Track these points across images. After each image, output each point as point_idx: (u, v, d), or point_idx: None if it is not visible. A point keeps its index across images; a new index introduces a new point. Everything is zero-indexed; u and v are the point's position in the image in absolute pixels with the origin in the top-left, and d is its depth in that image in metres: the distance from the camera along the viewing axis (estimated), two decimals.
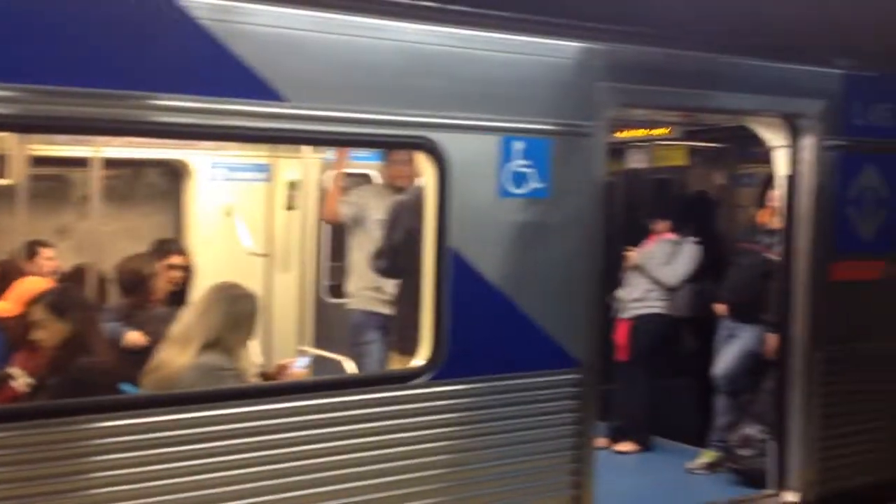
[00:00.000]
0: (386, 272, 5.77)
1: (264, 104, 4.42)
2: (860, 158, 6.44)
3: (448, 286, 4.90)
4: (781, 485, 6.25)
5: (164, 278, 6.07)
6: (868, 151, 6.47)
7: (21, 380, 4.55)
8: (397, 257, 5.54)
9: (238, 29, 4.33)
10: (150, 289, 5.69)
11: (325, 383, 4.73)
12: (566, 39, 5.35)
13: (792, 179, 6.26)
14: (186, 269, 6.46)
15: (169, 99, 4.20)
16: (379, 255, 5.73)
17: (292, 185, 8.28)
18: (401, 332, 5.49)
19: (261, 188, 8.27)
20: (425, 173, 5.06)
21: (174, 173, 8.09)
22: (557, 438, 5.24)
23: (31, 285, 5.52)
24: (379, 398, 4.73)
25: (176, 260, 6.36)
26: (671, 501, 6.11)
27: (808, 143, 6.23)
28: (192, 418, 4.24)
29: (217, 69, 4.31)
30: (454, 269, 4.92)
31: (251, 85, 4.38)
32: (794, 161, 6.26)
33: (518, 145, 5.12)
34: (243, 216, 7.98)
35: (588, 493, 5.33)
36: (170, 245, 6.56)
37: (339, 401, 4.58)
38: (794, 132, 6.25)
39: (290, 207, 8.27)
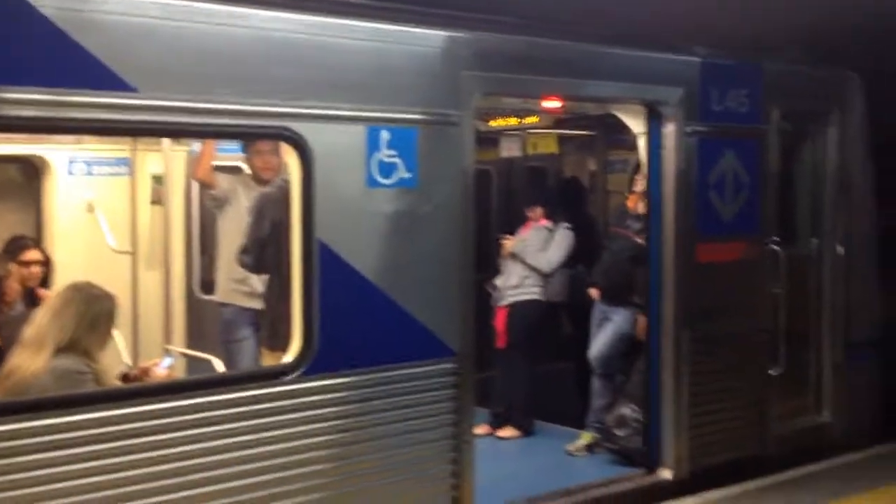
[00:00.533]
0: (252, 267, 5.64)
1: (114, 95, 4.24)
2: (719, 144, 6.65)
3: (316, 279, 4.82)
4: (656, 463, 6.41)
5: (19, 276, 5.76)
6: (726, 137, 6.68)
7: None
8: (263, 252, 5.42)
9: (83, 18, 4.14)
10: (2, 290, 5.39)
11: (192, 383, 4.59)
12: (431, 28, 5.33)
13: (657, 165, 6.41)
14: (45, 264, 6.15)
15: (13, 92, 3.98)
16: (244, 249, 5.60)
17: (157, 180, 8.01)
18: (271, 327, 5.38)
19: (123, 183, 7.95)
20: (290, 165, 4.96)
21: (31, 170, 7.70)
22: (435, 428, 5.23)
23: None
24: (249, 396, 4.62)
25: (31, 255, 6.05)
26: (550, 484, 6.17)
27: (670, 130, 6.39)
28: (49, 425, 4.04)
29: (62, 60, 4.11)
30: (322, 261, 4.84)
31: (99, 75, 4.19)
32: (658, 147, 6.41)
33: (385, 135, 5.07)
34: (106, 212, 7.66)
35: (468, 481, 5.34)
36: (24, 241, 6.22)
37: (207, 401, 4.44)
38: (657, 119, 6.40)
39: (155, 202, 7.99)
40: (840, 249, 7.41)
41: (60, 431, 4.07)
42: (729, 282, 6.74)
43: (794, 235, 7.45)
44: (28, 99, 4.01)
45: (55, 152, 7.60)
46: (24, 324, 4.71)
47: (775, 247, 6.97)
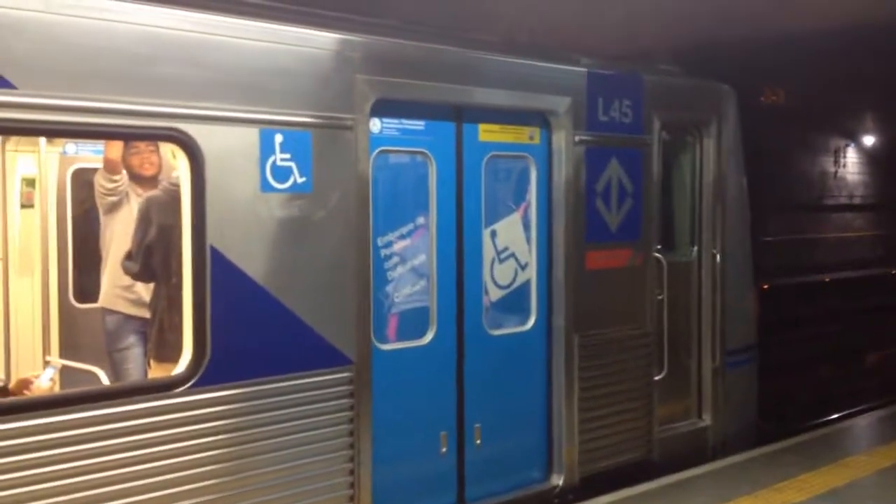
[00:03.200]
0: (137, 275, 5.40)
1: None
2: (605, 153, 6.77)
3: (207, 286, 4.64)
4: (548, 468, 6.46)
5: None
6: (611, 146, 6.81)
7: None
8: (149, 258, 5.19)
9: None
10: None
11: (76, 397, 4.32)
12: (325, 30, 5.23)
13: (545, 173, 6.48)
14: None
15: None
16: (129, 255, 5.34)
17: (28, 182, 7.59)
18: (158, 337, 5.15)
19: None
20: (179, 167, 4.77)
21: None
22: (332, 439, 5.12)
23: None
24: (137, 410, 4.40)
25: None
26: None
27: (559, 139, 6.47)
28: None
29: None
30: (214, 267, 4.66)
31: None
32: (548, 155, 6.47)
33: (278, 138, 4.94)
34: None
35: (366, 493, 5.23)
36: None
37: (91, 415, 4.21)
38: (546, 128, 6.47)
39: (25, 206, 7.57)
40: (717, 257, 7.65)
41: None
42: (615, 288, 6.87)
43: (675, 243, 7.66)
44: None
45: None
46: None
47: (657, 254, 7.15)
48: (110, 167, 6.13)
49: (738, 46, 8.61)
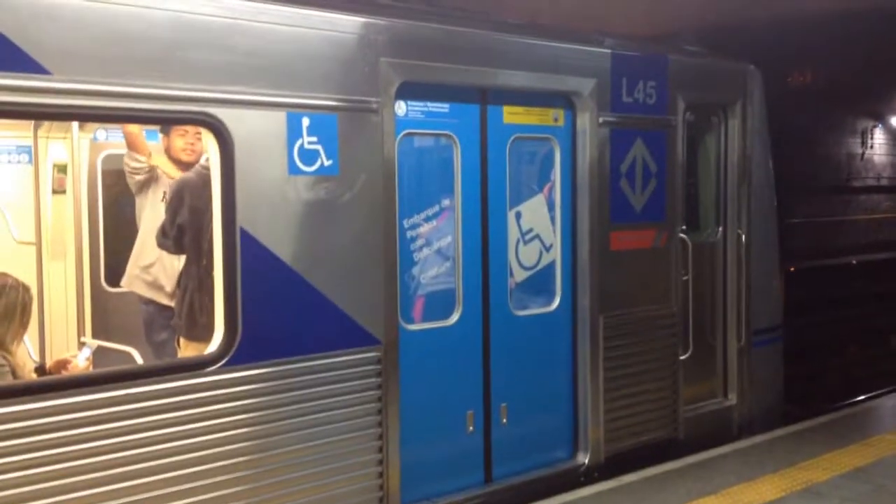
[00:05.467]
0: (170, 248, 5.51)
1: (25, 77, 4.07)
2: (629, 134, 6.79)
3: (239, 267, 4.73)
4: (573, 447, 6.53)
5: None
6: (636, 127, 6.83)
7: None
8: (181, 239, 5.29)
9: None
10: None
11: (114, 375, 4.42)
12: (350, 14, 5.29)
13: (570, 155, 6.52)
14: None
15: None
16: (164, 231, 5.45)
17: (60, 168, 7.73)
18: (189, 317, 5.25)
19: (24, 172, 7.65)
20: (209, 151, 4.86)
21: None
22: (361, 417, 5.20)
23: None
24: (171, 388, 4.50)
25: None
26: None
27: (584, 120, 6.50)
28: None
29: None
30: (244, 249, 4.75)
31: (9, 56, 4.02)
32: (573, 136, 6.51)
33: (305, 121, 5.01)
34: (6, 202, 7.36)
35: (395, 470, 5.33)
36: None
37: (128, 393, 4.32)
38: (571, 109, 6.50)
39: (57, 191, 7.72)
40: (743, 238, 7.66)
41: None
42: (640, 269, 6.90)
43: (700, 224, 7.67)
44: None
45: None
46: None
47: (683, 235, 7.17)
48: (134, 147, 6.25)
49: (766, 28, 8.56)
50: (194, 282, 5.21)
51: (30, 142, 7.58)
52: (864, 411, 8.98)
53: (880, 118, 20.83)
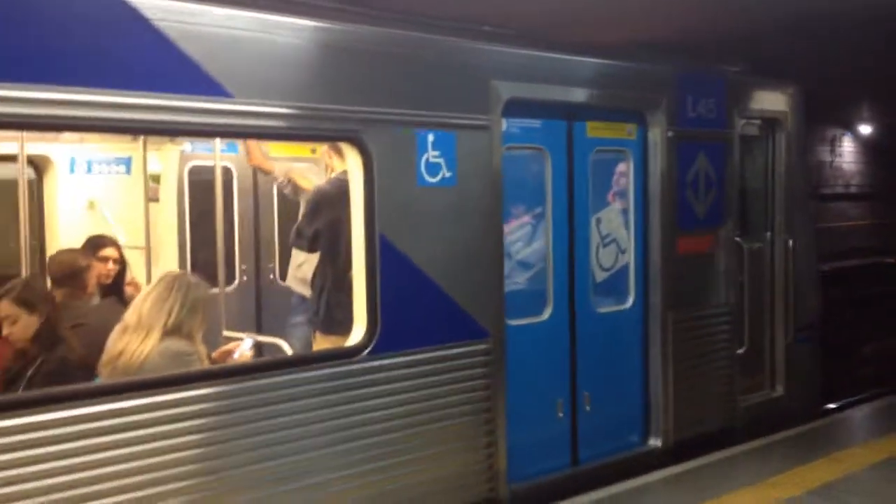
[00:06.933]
0: (304, 248, 6.12)
1: (215, 101, 4.67)
2: (694, 147, 7.41)
3: (378, 268, 5.32)
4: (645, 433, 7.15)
5: (97, 271, 6.05)
6: (699, 140, 7.46)
7: None
8: (317, 238, 5.88)
9: (188, 30, 4.56)
10: (84, 281, 5.67)
11: (288, 361, 5.06)
12: (467, 41, 5.90)
13: (641, 166, 7.14)
14: (120, 262, 6.48)
15: (128, 96, 4.38)
16: (299, 232, 6.04)
17: (154, 178, 8.30)
18: (327, 312, 5.83)
19: (123, 181, 8.22)
20: (349, 164, 5.44)
21: (34, 167, 7.87)
22: (474, 403, 5.80)
23: None
24: (323, 374, 5.10)
25: (109, 252, 6.38)
26: None
27: (654, 134, 7.12)
28: (165, 401, 4.45)
29: (169, 67, 4.52)
30: (383, 252, 5.34)
31: (202, 82, 4.61)
32: (644, 149, 7.14)
33: (430, 138, 5.61)
34: (109, 209, 7.92)
35: (502, 450, 5.93)
36: (103, 239, 6.54)
37: (297, 377, 4.92)
38: (643, 124, 7.12)
39: (153, 200, 8.28)
40: (790, 243, 8.30)
41: (173, 407, 4.48)
42: (702, 270, 7.53)
43: (750, 229, 8.30)
44: (146, 104, 4.41)
45: (57, 150, 7.81)
46: (108, 312, 5.05)
47: (738, 239, 7.81)
48: (263, 169, 6.96)
49: (741, 38, 8.96)
50: (330, 280, 5.78)
51: (126, 153, 8.17)
52: (831, 424, 8.66)
53: (849, 126, 21.03)
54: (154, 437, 4.41)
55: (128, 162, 8.24)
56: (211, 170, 7.91)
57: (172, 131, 5.65)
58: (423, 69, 5.63)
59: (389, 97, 5.43)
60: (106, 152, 8.06)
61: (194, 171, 8.35)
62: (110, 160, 8.13)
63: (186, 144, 8.30)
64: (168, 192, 8.28)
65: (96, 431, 4.22)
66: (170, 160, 8.32)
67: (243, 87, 4.78)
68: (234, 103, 4.75)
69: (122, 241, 7.79)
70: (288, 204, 8.08)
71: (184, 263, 8.02)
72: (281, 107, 4.95)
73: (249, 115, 4.84)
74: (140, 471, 4.34)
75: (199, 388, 4.56)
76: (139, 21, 4.43)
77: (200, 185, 8.22)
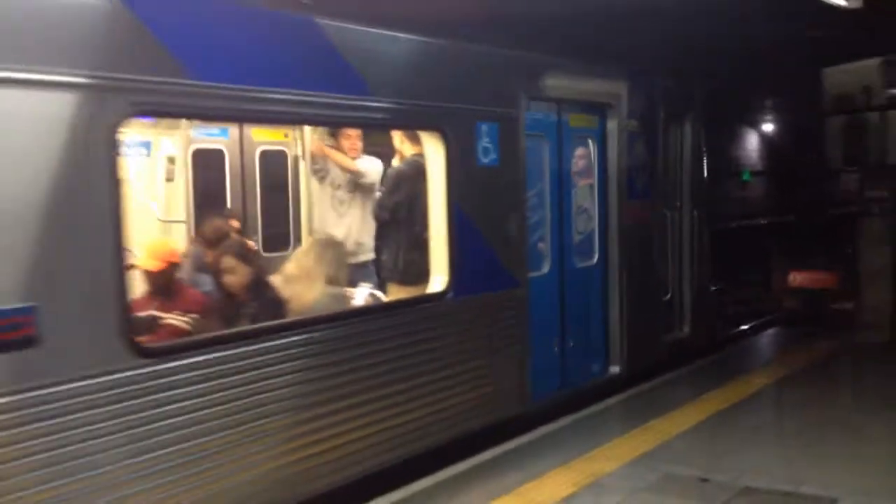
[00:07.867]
0: (386, 219, 7.45)
1: (362, 98, 6.03)
2: (636, 135, 9.28)
3: (455, 231, 6.81)
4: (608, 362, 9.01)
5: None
6: (639, 130, 9.33)
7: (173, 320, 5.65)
8: (398, 210, 7.26)
9: (352, 46, 5.92)
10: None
11: (404, 302, 6.50)
12: (503, 48, 7.45)
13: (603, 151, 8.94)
14: (241, 232, 7.60)
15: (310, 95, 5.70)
16: (381, 205, 7.40)
17: (170, 160, 9.30)
18: (405, 268, 7.24)
19: (144, 162, 9.16)
20: (428, 149, 6.88)
21: None
22: (512, 334, 7.42)
23: (162, 246, 6.46)
24: (426, 310, 6.60)
25: (234, 223, 7.49)
26: None
27: (613, 124, 8.92)
28: (345, 333, 5.84)
29: (335, 71, 5.85)
30: (457, 218, 6.83)
31: (356, 83, 5.97)
32: (605, 136, 8.93)
33: (483, 127, 7.13)
34: (141, 188, 8.87)
35: (528, 374, 7.58)
36: (231, 212, 7.65)
37: (403, 315, 6.43)
38: (603, 116, 8.90)
39: (169, 179, 9.28)
40: (695, 214, 10.37)
41: (342, 338, 5.85)
42: (643, 235, 9.43)
43: (668, 202, 10.28)
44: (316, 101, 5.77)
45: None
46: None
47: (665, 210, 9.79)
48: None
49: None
50: (405, 242, 7.20)
51: (147, 137, 9.13)
52: (642, 393, 8.84)
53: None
54: (338, 362, 5.77)
55: (148, 145, 9.19)
56: (213, 152, 9.09)
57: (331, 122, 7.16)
58: (482, 73, 7.13)
59: (462, 93, 6.91)
60: (136, 137, 8.96)
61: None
62: (135, 143, 9.04)
63: (195, 129, 9.34)
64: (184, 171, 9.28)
65: (301, 354, 5.54)
66: (182, 143, 9.32)
67: (378, 86, 6.16)
68: (372, 100, 6.13)
69: (159, 215, 8.83)
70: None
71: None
72: (404, 103, 6.36)
73: (377, 110, 6.22)
74: (329, 384, 5.72)
75: (357, 323, 5.95)
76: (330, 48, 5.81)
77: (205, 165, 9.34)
